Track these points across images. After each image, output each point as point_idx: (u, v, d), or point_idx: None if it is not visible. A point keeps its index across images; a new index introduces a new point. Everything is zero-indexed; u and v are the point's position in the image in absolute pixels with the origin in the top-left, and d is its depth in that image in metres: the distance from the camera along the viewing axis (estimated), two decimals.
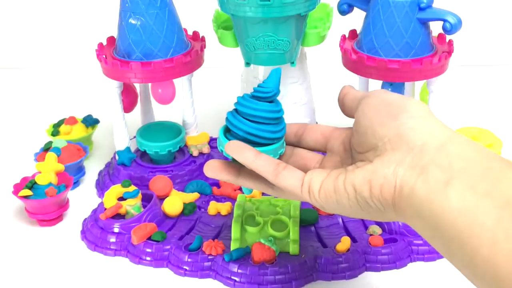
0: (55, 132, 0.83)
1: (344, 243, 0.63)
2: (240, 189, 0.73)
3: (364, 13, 0.70)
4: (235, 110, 0.51)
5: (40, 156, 0.77)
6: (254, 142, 0.49)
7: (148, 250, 0.64)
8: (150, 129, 0.78)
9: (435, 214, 0.38)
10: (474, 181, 0.38)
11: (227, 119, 0.51)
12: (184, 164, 0.76)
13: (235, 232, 0.62)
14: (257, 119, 0.49)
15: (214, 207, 0.70)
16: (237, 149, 0.48)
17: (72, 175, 0.74)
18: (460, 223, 0.37)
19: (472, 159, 0.39)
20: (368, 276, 0.62)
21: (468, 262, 0.37)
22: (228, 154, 0.49)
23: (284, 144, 0.52)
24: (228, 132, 0.51)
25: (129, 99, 0.78)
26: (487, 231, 0.36)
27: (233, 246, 0.62)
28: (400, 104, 0.44)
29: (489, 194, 0.37)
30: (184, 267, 0.62)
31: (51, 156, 0.72)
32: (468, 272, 0.38)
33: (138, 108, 0.81)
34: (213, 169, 0.51)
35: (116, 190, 0.69)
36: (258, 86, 0.50)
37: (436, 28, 0.68)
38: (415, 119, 0.43)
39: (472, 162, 0.39)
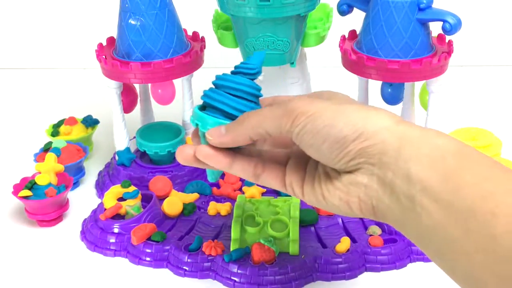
0: (55, 132, 0.83)
1: (344, 243, 0.63)
2: (240, 189, 0.73)
3: (363, 14, 0.70)
4: (214, 86, 0.49)
5: (39, 156, 0.77)
6: (234, 116, 0.47)
7: (148, 250, 0.64)
8: (150, 130, 0.78)
9: (413, 230, 0.40)
10: (437, 192, 0.37)
11: (205, 95, 0.48)
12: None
13: (234, 232, 0.62)
14: (239, 93, 0.47)
15: (213, 208, 0.70)
16: (210, 157, 0.47)
17: (72, 175, 0.74)
18: (435, 240, 0.38)
19: (428, 162, 0.38)
20: (368, 277, 0.62)
21: (450, 273, 0.38)
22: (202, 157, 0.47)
23: None
24: (204, 110, 0.49)
25: (129, 100, 0.78)
26: (460, 246, 0.36)
27: (233, 246, 0.62)
28: (340, 136, 0.41)
29: (452, 204, 0.37)
30: (184, 267, 0.62)
31: (50, 156, 0.72)
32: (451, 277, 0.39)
33: (138, 108, 0.81)
34: (206, 157, 0.47)
35: (116, 190, 0.69)
36: (241, 63, 0.49)
37: (436, 28, 0.68)
38: (362, 135, 0.41)
39: (428, 166, 0.38)
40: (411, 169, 0.38)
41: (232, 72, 0.49)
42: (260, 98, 0.50)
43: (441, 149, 0.39)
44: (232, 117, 0.47)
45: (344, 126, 0.41)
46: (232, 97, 0.47)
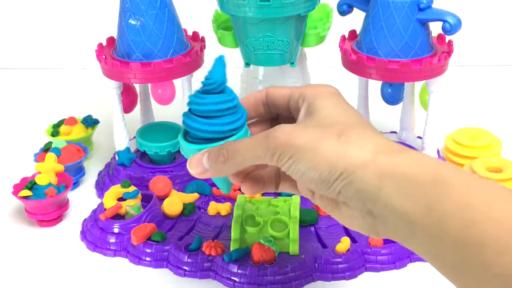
0: (55, 132, 0.83)
1: (344, 243, 0.63)
2: (240, 189, 0.73)
3: (364, 14, 0.70)
4: (189, 109, 0.48)
5: (39, 156, 0.77)
6: (211, 138, 0.47)
7: (148, 250, 0.64)
8: (150, 130, 0.78)
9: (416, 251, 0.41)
10: (424, 225, 0.38)
11: (183, 121, 0.48)
12: (183, 164, 0.76)
13: (234, 232, 0.62)
14: (208, 114, 0.46)
15: (214, 208, 0.70)
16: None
17: (72, 175, 0.74)
18: (436, 265, 0.39)
19: (408, 195, 0.39)
20: (368, 277, 0.62)
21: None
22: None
23: (248, 131, 0.49)
24: (187, 133, 0.49)
25: (129, 99, 0.78)
26: (457, 272, 0.37)
27: (233, 246, 0.62)
28: (322, 179, 0.42)
29: (440, 237, 0.37)
30: (184, 267, 0.62)
31: (50, 156, 0.72)
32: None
33: (138, 108, 0.81)
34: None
35: (115, 190, 0.69)
36: (205, 78, 0.47)
37: (435, 28, 0.68)
38: (342, 175, 0.42)
39: (411, 200, 0.39)
40: (394, 203, 0.39)
41: (200, 90, 0.47)
42: (245, 100, 0.50)
43: (418, 179, 0.39)
44: (209, 141, 0.47)
45: (323, 169, 0.42)
46: (202, 120, 0.46)
